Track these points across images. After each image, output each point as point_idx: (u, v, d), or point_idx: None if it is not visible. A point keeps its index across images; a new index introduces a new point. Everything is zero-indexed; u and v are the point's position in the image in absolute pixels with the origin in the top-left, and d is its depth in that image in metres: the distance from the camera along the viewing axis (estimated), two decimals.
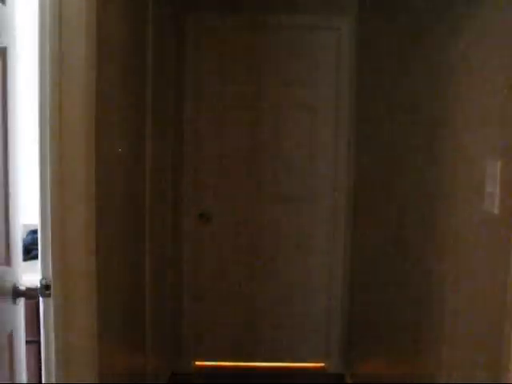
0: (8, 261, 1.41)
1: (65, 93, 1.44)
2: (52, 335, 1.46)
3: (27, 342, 1.56)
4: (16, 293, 1.43)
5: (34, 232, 2.21)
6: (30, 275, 1.52)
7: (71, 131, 1.46)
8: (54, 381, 1.47)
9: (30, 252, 2.11)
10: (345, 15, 3.01)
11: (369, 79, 2.74)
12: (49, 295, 1.43)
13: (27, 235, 2.26)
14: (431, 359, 1.62)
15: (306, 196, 3.14)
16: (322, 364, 3.22)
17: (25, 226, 1.99)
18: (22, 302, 1.48)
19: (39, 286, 1.44)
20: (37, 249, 1.49)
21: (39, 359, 1.54)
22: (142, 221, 2.40)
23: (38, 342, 1.52)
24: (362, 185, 2.85)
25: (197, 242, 3.14)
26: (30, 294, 1.45)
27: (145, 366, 2.49)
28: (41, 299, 1.45)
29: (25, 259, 1.78)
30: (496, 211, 1.17)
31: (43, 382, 1.48)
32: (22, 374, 1.52)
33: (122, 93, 2.00)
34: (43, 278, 1.44)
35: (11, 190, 1.41)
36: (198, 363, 3.21)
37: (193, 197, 3.11)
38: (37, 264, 1.47)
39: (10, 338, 1.42)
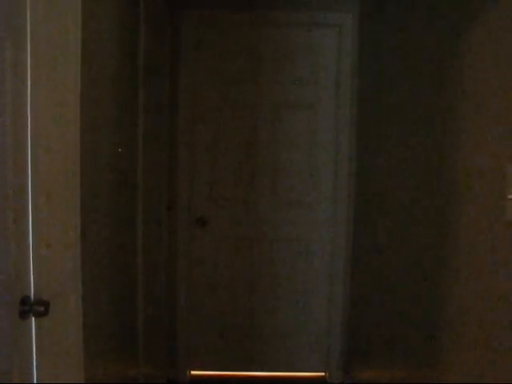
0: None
1: (46, 95, 1.34)
2: (34, 347, 1.36)
3: None
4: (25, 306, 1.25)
5: None
6: None
7: (55, 135, 1.36)
8: None
9: None
10: (347, 12, 2.92)
11: (371, 77, 2.64)
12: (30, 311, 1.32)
13: None
14: (433, 370, 1.53)
15: (306, 199, 3.04)
16: (322, 373, 3.13)
17: None
18: (31, 318, 1.26)
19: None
20: None
21: None
22: (134, 228, 2.30)
23: None
24: (365, 187, 2.74)
25: (192, 247, 3.04)
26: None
27: (137, 376, 2.39)
28: None
29: None
30: None
31: None
32: None
33: (111, 95, 1.90)
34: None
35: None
36: (193, 372, 3.11)
37: (189, 201, 3.01)
38: None
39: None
